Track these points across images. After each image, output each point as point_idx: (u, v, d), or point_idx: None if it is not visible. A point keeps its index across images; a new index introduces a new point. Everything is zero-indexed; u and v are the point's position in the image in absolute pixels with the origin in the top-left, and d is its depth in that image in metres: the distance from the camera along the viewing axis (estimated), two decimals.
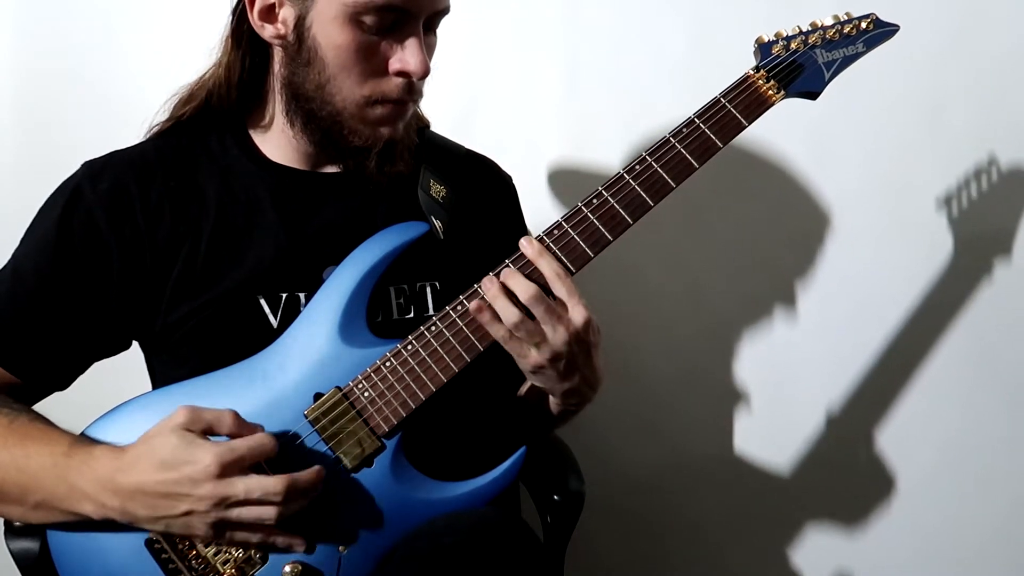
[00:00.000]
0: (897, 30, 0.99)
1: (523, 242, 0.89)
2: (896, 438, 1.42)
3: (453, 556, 0.80)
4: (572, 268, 0.90)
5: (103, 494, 0.81)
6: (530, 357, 0.87)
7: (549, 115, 1.38)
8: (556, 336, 0.86)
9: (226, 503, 0.78)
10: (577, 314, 0.86)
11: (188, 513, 0.78)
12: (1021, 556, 1.41)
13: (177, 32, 1.32)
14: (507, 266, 0.89)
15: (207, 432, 0.81)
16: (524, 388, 1.04)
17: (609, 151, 1.35)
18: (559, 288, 0.87)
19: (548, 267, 0.87)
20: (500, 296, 0.87)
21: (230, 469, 0.78)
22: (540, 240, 0.90)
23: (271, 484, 0.78)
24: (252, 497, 0.78)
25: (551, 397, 0.96)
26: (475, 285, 0.90)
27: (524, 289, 0.86)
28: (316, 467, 0.82)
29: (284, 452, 0.85)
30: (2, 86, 1.35)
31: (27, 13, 1.34)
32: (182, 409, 0.81)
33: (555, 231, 0.90)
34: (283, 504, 0.78)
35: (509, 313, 0.86)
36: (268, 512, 0.79)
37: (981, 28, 1.35)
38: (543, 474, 1.09)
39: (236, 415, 0.82)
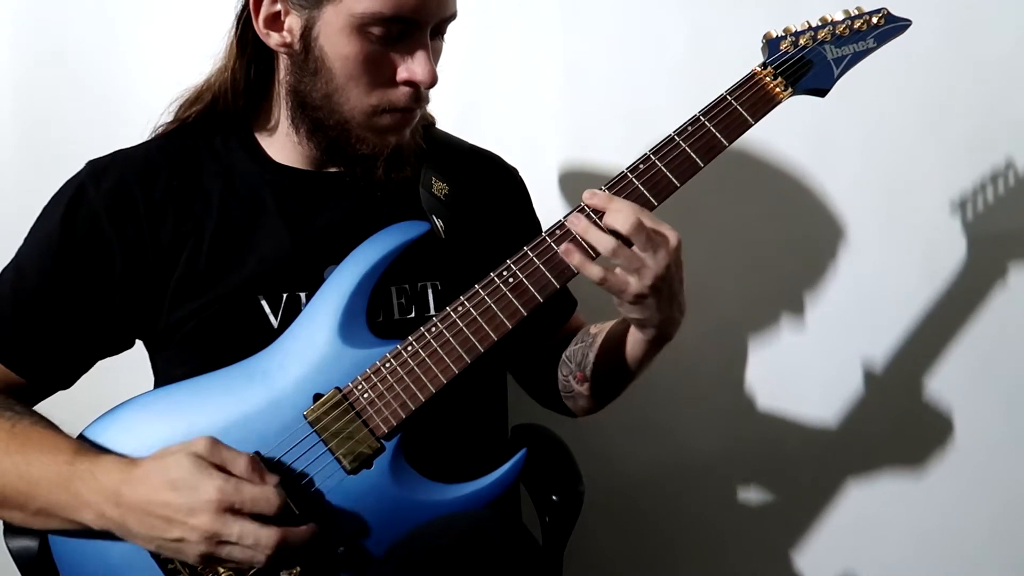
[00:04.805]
0: (909, 25, 0.97)
1: (586, 194, 0.87)
2: (899, 438, 1.41)
3: (448, 558, 0.79)
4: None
5: (105, 505, 0.80)
6: (630, 287, 0.85)
7: (550, 115, 1.36)
8: (658, 259, 0.84)
9: (217, 540, 0.77)
10: (671, 233, 0.85)
11: (180, 540, 0.78)
12: (1021, 556, 1.40)
13: (179, 32, 1.31)
14: (581, 208, 0.87)
15: (220, 468, 0.79)
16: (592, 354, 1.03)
17: (610, 151, 1.34)
18: (646, 218, 0.85)
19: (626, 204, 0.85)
20: (591, 228, 0.85)
21: (229, 508, 0.77)
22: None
23: (264, 536, 0.77)
24: (244, 543, 0.77)
25: (633, 343, 0.96)
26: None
27: (626, 218, 0.83)
28: (310, 525, 0.81)
29: (287, 460, 0.85)
30: (2, 86, 1.34)
31: (27, 13, 1.33)
32: (205, 438, 0.80)
33: (557, 231, 0.89)
34: (273, 556, 0.78)
35: (605, 242, 0.84)
36: (257, 558, 0.78)
37: (984, 27, 1.33)
38: (542, 474, 1.09)
39: (254, 460, 0.81)
